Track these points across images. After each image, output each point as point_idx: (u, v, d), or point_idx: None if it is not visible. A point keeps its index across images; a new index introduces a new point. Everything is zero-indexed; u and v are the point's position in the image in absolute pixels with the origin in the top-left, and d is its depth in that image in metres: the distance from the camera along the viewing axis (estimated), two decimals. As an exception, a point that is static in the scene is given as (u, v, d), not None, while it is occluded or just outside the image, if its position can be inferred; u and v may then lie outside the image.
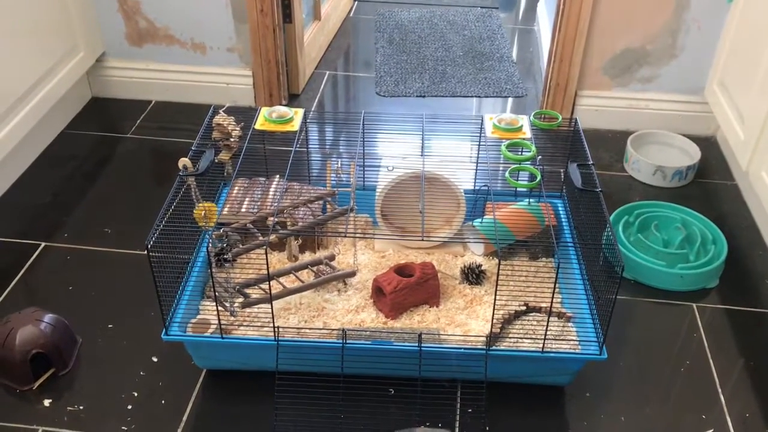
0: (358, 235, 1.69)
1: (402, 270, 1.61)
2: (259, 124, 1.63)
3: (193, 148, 1.55)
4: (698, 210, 1.98)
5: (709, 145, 2.36)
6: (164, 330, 1.45)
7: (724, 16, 2.19)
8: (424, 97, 2.63)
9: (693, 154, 2.22)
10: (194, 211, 1.52)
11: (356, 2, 3.43)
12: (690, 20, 2.23)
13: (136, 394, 1.52)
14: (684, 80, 2.34)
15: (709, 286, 1.81)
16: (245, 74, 2.48)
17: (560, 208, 1.79)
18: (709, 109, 2.28)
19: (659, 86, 2.37)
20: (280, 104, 2.50)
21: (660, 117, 2.39)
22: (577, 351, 1.46)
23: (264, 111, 1.65)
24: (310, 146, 2.27)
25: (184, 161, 1.49)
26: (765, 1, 1.89)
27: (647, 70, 2.34)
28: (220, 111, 1.65)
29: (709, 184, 2.20)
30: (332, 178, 1.77)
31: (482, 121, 1.65)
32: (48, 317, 1.56)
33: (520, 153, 1.59)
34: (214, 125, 1.65)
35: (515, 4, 3.48)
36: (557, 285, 1.62)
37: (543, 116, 1.70)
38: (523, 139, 1.57)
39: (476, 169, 1.74)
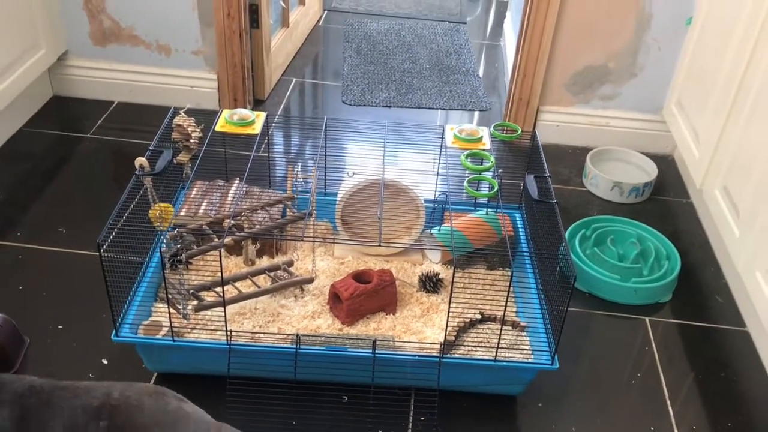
0: (315, 239, 1.68)
1: (360, 277, 1.60)
2: (220, 126, 1.62)
3: (151, 148, 1.54)
4: (654, 226, 2.01)
5: (666, 163, 2.40)
6: (114, 331, 1.43)
7: (683, 37, 2.24)
8: (389, 107, 2.64)
9: (650, 172, 2.26)
10: (149, 212, 1.50)
11: (326, 11, 3.44)
12: (650, 40, 2.28)
13: (83, 397, 1.48)
14: (644, 99, 2.39)
15: (662, 301, 1.85)
16: (210, 77, 2.46)
17: (518, 219, 1.81)
18: (667, 128, 2.33)
19: (620, 104, 2.41)
20: (245, 108, 2.49)
21: (620, 134, 2.44)
22: (529, 360, 1.47)
23: (225, 113, 1.64)
24: (272, 151, 2.26)
25: (140, 161, 1.47)
26: (720, 25, 1.94)
27: (608, 87, 2.38)
28: (181, 112, 1.64)
29: (665, 201, 2.24)
30: (294, 183, 1.76)
31: (443, 131, 1.66)
32: (-5, 316, 1.52)
33: (480, 164, 1.60)
34: (174, 126, 1.63)
35: (483, 20, 3.52)
36: (513, 295, 1.64)
37: (504, 128, 1.72)
38: (483, 149, 1.59)
39: (437, 178, 1.75)
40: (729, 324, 1.80)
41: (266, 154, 1.85)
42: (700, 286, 1.91)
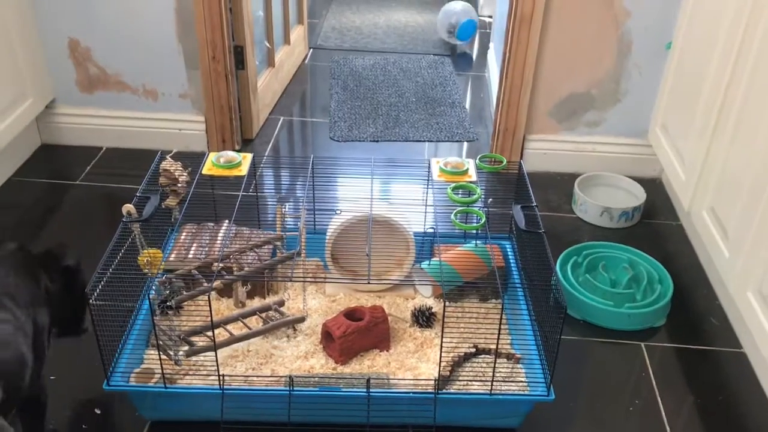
0: (305, 279, 1.68)
1: (352, 314, 1.60)
2: (207, 169, 1.62)
3: (138, 194, 1.54)
4: (645, 250, 2.02)
5: (654, 186, 2.42)
6: (106, 380, 1.41)
7: (664, 61, 2.27)
8: (377, 141, 2.65)
9: (639, 196, 2.27)
10: (138, 258, 1.50)
11: (311, 49, 3.48)
12: (631, 65, 2.30)
13: (76, 449, 1.47)
14: (628, 124, 2.41)
15: (656, 325, 1.84)
16: (198, 120, 2.48)
17: (508, 250, 1.81)
18: (653, 151, 2.35)
19: (605, 130, 2.43)
20: (233, 149, 2.50)
21: (607, 159, 2.45)
22: (524, 392, 1.46)
23: (212, 156, 1.65)
24: (260, 191, 2.27)
25: (128, 207, 1.48)
26: (699, 48, 1.96)
27: (593, 114, 2.40)
28: (167, 156, 1.65)
29: (654, 224, 2.25)
30: (283, 222, 1.76)
31: (429, 164, 1.67)
32: (-15, 370, 1.50)
33: (467, 196, 1.61)
34: (161, 171, 1.64)
35: (467, 52, 3.56)
36: (506, 326, 1.63)
37: (491, 160, 1.73)
38: (469, 182, 1.60)
39: (425, 212, 1.76)
40: (725, 345, 1.79)
41: (255, 195, 1.86)
42: (694, 309, 1.91)
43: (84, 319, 1.47)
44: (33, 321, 1.27)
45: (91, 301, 1.30)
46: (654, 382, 1.68)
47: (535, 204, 1.54)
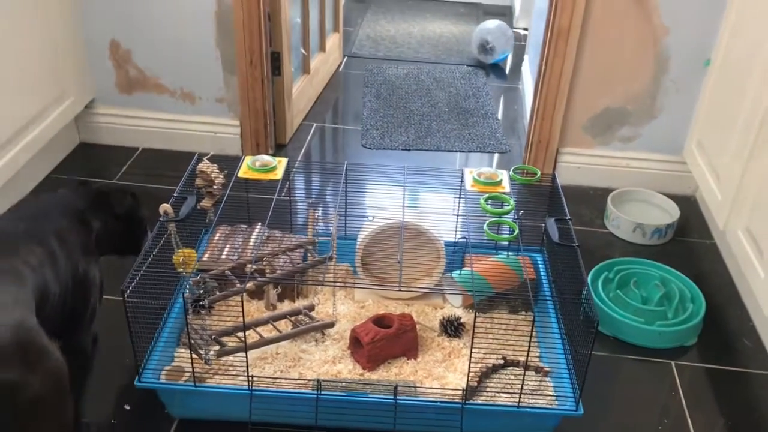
0: (335, 284, 1.69)
1: (380, 321, 1.60)
2: (243, 172, 1.64)
3: (175, 195, 1.56)
4: (677, 268, 1.99)
5: (689, 204, 2.39)
6: (137, 377, 1.43)
7: (702, 78, 2.25)
8: (408, 150, 2.66)
9: (672, 213, 2.25)
10: (173, 257, 1.52)
11: (346, 57, 3.50)
12: (669, 82, 2.29)
13: (106, 443, 1.49)
14: (664, 140, 2.39)
15: (687, 344, 1.82)
16: (233, 124, 2.51)
17: (539, 263, 1.80)
18: (688, 168, 2.32)
19: (640, 145, 2.41)
20: (267, 154, 2.52)
21: (641, 175, 2.43)
22: (553, 406, 1.45)
23: (247, 159, 1.67)
24: (293, 195, 2.29)
25: (165, 207, 1.50)
26: (738, 65, 1.95)
27: (628, 129, 2.39)
28: (204, 159, 1.67)
29: (688, 242, 2.22)
30: (315, 227, 1.77)
31: (462, 174, 1.68)
32: (20, 362, 1.53)
33: (500, 207, 1.60)
34: (197, 172, 1.66)
35: (501, 63, 3.56)
36: (536, 339, 1.63)
37: (525, 171, 1.72)
38: (502, 193, 1.59)
39: (456, 222, 1.76)
40: (757, 368, 1.76)
41: (288, 199, 1.87)
42: (726, 329, 1.88)
43: (143, 242, 1.58)
44: (75, 265, 1.35)
45: (124, 298, 1.32)
46: (684, 402, 1.66)
47: (569, 218, 1.53)
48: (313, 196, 2.41)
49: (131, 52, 2.42)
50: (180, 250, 1.53)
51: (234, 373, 1.48)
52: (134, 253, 1.55)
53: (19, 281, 1.19)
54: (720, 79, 2.10)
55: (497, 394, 1.46)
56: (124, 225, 1.56)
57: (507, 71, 3.48)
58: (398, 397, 1.40)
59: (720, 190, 1.98)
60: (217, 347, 1.49)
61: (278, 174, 1.65)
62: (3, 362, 1.04)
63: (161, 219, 1.49)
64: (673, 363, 1.76)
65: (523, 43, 3.73)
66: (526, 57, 3.34)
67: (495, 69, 3.48)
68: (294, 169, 2.48)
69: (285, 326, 1.61)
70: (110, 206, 1.54)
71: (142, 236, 1.62)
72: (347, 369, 1.55)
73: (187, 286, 1.47)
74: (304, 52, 2.85)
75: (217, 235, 1.79)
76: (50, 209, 1.41)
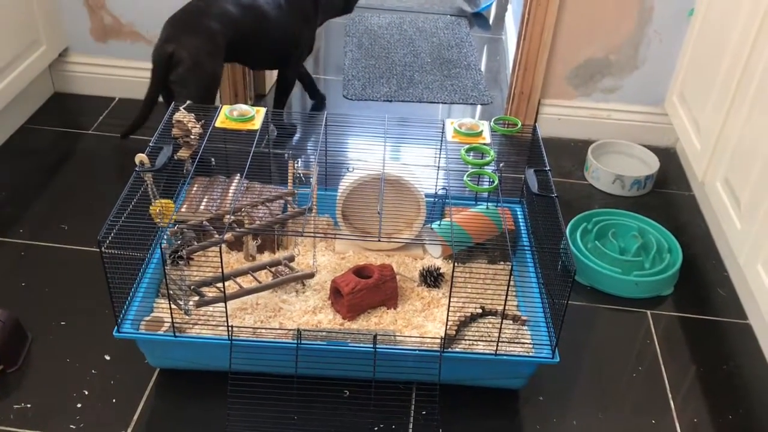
0: (315, 234, 1.68)
1: (360, 271, 1.61)
2: (220, 122, 1.62)
3: (151, 145, 1.54)
4: (655, 219, 2.01)
5: (668, 155, 2.40)
6: (116, 327, 1.43)
7: (685, 29, 2.23)
8: (390, 101, 2.63)
9: (652, 165, 2.26)
10: (150, 208, 1.50)
11: (327, 6, 3.43)
12: (652, 33, 2.27)
13: (86, 393, 1.49)
14: (645, 91, 2.38)
15: (663, 294, 1.84)
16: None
17: (519, 213, 1.80)
18: (669, 120, 2.32)
19: (621, 97, 2.40)
20: (246, 104, 2.49)
21: (621, 127, 2.43)
22: (530, 354, 1.47)
23: (225, 109, 1.64)
24: (272, 146, 2.26)
25: (141, 157, 1.48)
26: (721, 16, 1.93)
27: (610, 80, 2.38)
28: (181, 108, 1.64)
29: (666, 194, 2.24)
30: (294, 178, 1.76)
31: (443, 125, 1.66)
32: (-3, 313, 1.53)
33: (481, 158, 1.60)
34: (174, 122, 1.63)
35: (485, 13, 3.51)
36: (513, 289, 1.64)
37: (505, 123, 1.71)
38: (483, 144, 1.59)
39: (437, 173, 1.75)
40: (731, 317, 1.80)
41: (266, 150, 1.86)
42: (702, 279, 1.91)
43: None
44: (293, 24, 2.21)
45: (101, 249, 1.31)
46: (658, 350, 1.69)
47: (548, 168, 1.53)
48: (294, 147, 2.39)
49: (105, -2, 2.35)
50: (157, 201, 1.52)
51: (214, 323, 1.48)
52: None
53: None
54: (702, 31, 2.08)
55: (475, 343, 1.48)
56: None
57: (491, 21, 3.44)
58: (378, 346, 1.41)
59: (700, 141, 1.98)
60: (196, 298, 1.49)
61: (256, 124, 1.62)
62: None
63: (137, 169, 1.47)
64: (648, 312, 1.79)
65: (507, -8, 3.67)
66: (509, 7, 3.30)
67: (478, 19, 3.43)
68: (272, 120, 2.45)
69: (265, 277, 1.61)
70: None
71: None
72: (327, 319, 1.56)
73: (165, 238, 1.46)
74: None
75: (195, 186, 1.77)
76: None
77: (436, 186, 1.78)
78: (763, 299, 1.54)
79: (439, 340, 1.44)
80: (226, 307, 1.43)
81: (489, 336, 1.48)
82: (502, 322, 1.43)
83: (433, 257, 1.75)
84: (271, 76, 2.65)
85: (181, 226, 1.45)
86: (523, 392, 1.55)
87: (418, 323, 1.56)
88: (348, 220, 1.77)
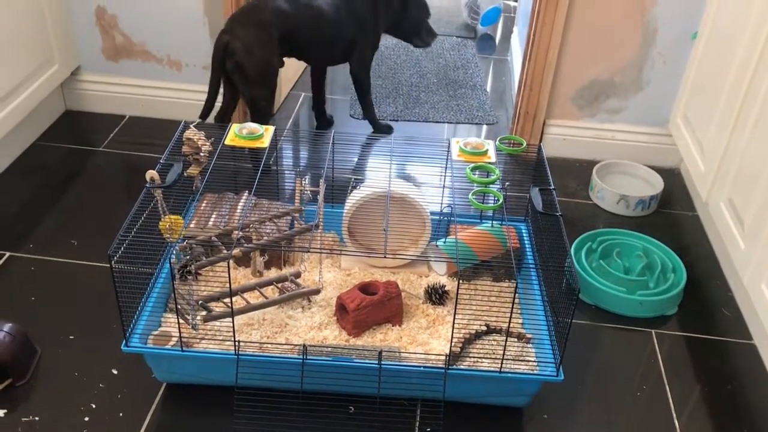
0: (321, 251, 1.70)
1: (366, 288, 1.62)
2: (229, 139, 1.65)
3: (161, 162, 1.56)
4: (660, 239, 2.02)
5: (672, 176, 2.41)
6: (124, 341, 1.45)
7: (689, 51, 2.26)
8: (397, 121, 2.66)
9: (656, 185, 2.27)
10: (160, 224, 1.53)
11: (335, 27, 3.47)
12: (656, 54, 2.29)
13: (94, 406, 1.51)
14: (649, 112, 2.40)
15: (668, 314, 1.85)
16: (220, 92, 2.49)
17: (524, 232, 1.82)
18: (673, 141, 2.34)
19: (626, 117, 2.43)
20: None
21: (626, 148, 2.45)
22: (534, 372, 1.48)
23: (234, 127, 1.67)
24: (281, 164, 2.29)
25: (151, 173, 1.50)
26: (725, 39, 1.95)
27: (614, 101, 2.40)
28: (191, 126, 1.67)
29: (671, 214, 2.25)
30: (302, 195, 1.78)
31: (449, 144, 1.68)
32: (7, 327, 1.55)
33: (486, 177, 1.62)
34: (184, 140, 1.66)
35: (491, 35, 3.55)
36: (519, 307, 1.65)
37: (510, 142, 1.74)
38: (488, 163, 1.61)
39: (442, 191, 1.77)
40: (735, 337, 1.80)
41: (275, 168, 1.88)
42: (706, 299, 1.91)
43: (421, 31, 2.50)
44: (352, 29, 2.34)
45: (111, 264, 1.33)
46: (663, 370, 1.69)
47: (553, 187, 1.55)
48: (301, 164, 2.42)
49: (117, 17, 2.39)
50: (167, 217, 1.54)
51: (221, 338, 1.50)
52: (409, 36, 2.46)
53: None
54: (706, 53, 2.11)
55: (480, 360, 1.49)
56: (403, 7, 2.37)
57: (496, 43, 3.47)
58: (383, 362, 1.42)
59: (703, 161, 2.00)
60: (203, 313, 1.50)
61: (265, 142, 1.65)
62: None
63: (147, 185, 1.49)
64: (653, 332, 1.80)
65: (512, 15, 3.71)
66: (515, 29, 3.34)
67: (484, 41, 3.46)
68: (281, 138, 2.49)
69: (272, 293, 1.63)
70: None
71: (421, 27, 2.42)
72: (333, 335, 1.57)
73: (174, 253, 1.48)
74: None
75: (204, 202, 1.80)
76: None
77: (441, 204, 1.80)
78: (767, 319, 1.54)
79: (443, 357, 1.45)
80: (233, 322, 1.45)
81: (494, 353, 1.49)
82: (506, 340, 1.44)
83: (438, 274, 1.76)
84: (280, 94, 2.68)
85: (189, 242, 1.47)
86: (528, 410, 1.56)
87: (423, 340, 1.57)
88: (354, 237, 1.78)
